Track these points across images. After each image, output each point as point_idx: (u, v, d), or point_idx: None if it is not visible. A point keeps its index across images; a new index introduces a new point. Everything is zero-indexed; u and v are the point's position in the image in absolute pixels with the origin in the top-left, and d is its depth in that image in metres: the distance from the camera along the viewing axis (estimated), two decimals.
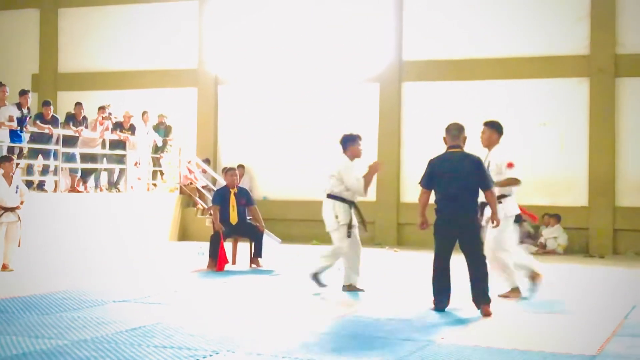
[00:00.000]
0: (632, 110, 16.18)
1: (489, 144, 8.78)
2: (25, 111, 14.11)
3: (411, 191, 16.18)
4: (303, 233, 17.99)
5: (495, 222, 7.56)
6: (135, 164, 17.09)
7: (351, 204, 9.15)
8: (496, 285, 8.22)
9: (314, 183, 18.66)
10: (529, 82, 17.16)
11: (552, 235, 16.29)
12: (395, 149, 17.90)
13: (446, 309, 7.68)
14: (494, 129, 8.87)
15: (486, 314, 7.30)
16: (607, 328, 6.80)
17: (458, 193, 7.50)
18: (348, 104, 18.58)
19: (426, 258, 14.48)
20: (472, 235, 7.54)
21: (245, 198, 12.05)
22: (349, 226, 9.04)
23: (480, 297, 7.43)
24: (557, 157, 16.80)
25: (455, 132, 7.85)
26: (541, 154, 16.93)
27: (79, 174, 15.69)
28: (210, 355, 5.38)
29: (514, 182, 8.43)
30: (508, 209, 8.34)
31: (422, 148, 17.77)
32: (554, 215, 16.37)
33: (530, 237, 16.64)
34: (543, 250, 16.16)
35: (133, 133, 16.76)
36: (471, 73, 17.56)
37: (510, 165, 8.44)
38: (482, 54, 17.51)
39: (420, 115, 17.94)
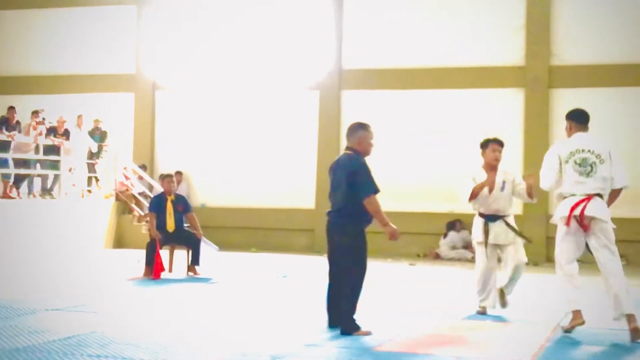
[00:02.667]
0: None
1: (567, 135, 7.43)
2: None
3: None
4: (242, 241, 17.93)
5: (388, 234, 6.76)
6: (70, 170, 16.81)
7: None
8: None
9: (253, 190, 18.65)
10: (466, 92, 17.44)
11: None
12: (334, 157, 17.86)
13: (387, 316, 7.74)
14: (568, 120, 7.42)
15: (365, 333, 6.61)
16: (541, 335, 6.93)
17: (334, 199, 6.82)
18: (287, 111, 18.60)
19: None
20: (338, 247, 6.74)
21: (182, 205, 11.94)
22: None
23: (343, 323, 6.66)
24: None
25: (348, 132, 6.98)
26: (477, 162, 17.14)
27: (11, 180, 15.36)
28: None
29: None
30: None
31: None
32: None
33: (468, 245, 16.88)
34: None
35: (67, 138, 16.48)
36: (410, 82, 17.76)
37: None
38: (421, 64, 17.73)
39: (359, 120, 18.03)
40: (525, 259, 8.35)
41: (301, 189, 17.92)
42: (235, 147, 18.90)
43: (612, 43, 16.62)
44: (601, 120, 16.28)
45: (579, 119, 7.24)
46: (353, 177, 6.64)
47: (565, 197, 6.94)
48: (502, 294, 8.16)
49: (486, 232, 8.21)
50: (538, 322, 7.66)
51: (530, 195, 8.18)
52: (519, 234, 8.18)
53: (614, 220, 6.87)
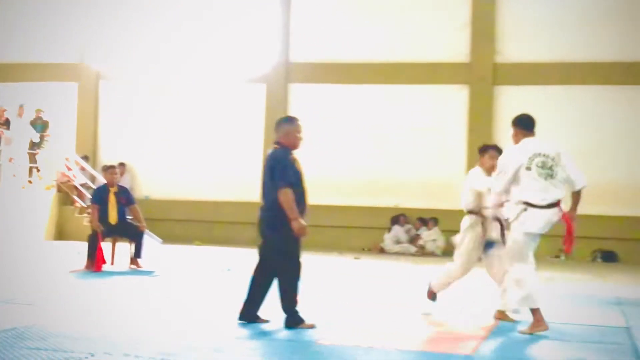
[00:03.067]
0: (509, 118, 16.68)
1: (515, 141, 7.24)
2: None
3: None
4: (186, 234, 17.83)
5: (295, 230, 6.47)
6: (10, 160, 16.49)
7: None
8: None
9: (197, 183, 18.54)
10: (411, 87, 17.58)
11: (431, 237, 16.75)
12: None
13: (330, 309, 7.78)
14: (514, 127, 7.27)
15: (309, 326, 6.59)
16: (483, 328, 7.03)
17: (264, 194, 6.76)
18: (233, 104, 18.53)
19: (306, 259, 14.62)
20: (270, 243, 6.69)
21: (125, 197, 11.81)
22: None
23: (287, 317, 6.64)
24: (437, 161, 17.27)
25: (275, 126, 6.89)
26: (422, 158, 17.38)
27: None
28: (87, 358, 5.24)
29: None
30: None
31: (308, 151, 17.91)
32: (432, 219, 16.85)
33: (412, 240, 17.06)
34: (422, 252, 16.59)
35: (8, 128, 16.15)
36: (357, 77, 17.84)
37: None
38: (368, 59, 17.82)
39: (307, 117, 18.03)
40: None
41: (246, 182, 17.86)
42: (179, 139, 18.76)
43: (556, 41, 16.93)
44: (546, 118, 16.62)
45: (526, 125, 7.14)
46: (272, 172, 6.64)
47: (527, 204, 6.70)
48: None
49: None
50: (479, 314, 7.76)
51: None
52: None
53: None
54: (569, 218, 6.92)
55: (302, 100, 18.18)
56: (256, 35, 18.55)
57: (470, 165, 17.36)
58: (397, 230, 17.07)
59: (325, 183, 17.71)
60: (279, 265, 6.67)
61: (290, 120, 6.92)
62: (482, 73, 17.15)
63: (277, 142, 6.81)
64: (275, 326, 6.64)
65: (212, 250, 15.87)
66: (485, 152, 8.04)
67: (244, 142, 18.33)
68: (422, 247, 16.73)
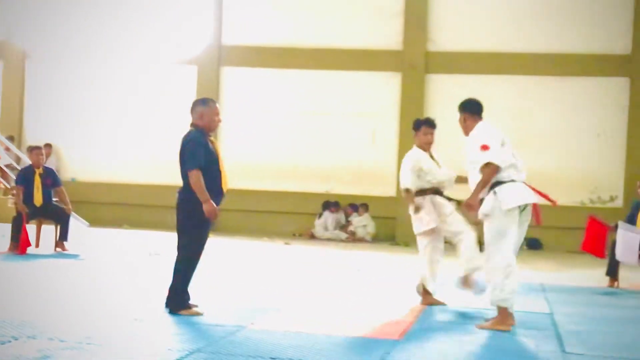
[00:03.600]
0: (440, 106, 16.98)
1: (466, 129, 7.00)
2: None
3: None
4: (113, 217, 17.59)
5: (205, 212, 6.35)
6: None
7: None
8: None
9: (125, 166, 18.28)
10: (344, 73, 17.63)
11: (362, 223, 16.88)
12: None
13: (260, 295, 7.77)
14: (461, 112, 7.07)
15: (194, 314, 6.47)
16: (411, 313, 7.12)
17: (181, 176, 6.68)
18: (163, 86, 18.29)
19: (235, 244, 14.57)
20: (178, 223, 6.63)
21: (51, 178, 11.57)
22: None
23: (170, 300, 6.55)
24: (369, 148, 17.38)
25: (190, 108, 6.80)
26: (354, 145, 17.48)
27: None
28: (9, 342, 5.13)
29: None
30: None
31: (240, 135, 17.84)
32: (362, 205, 16.97)
33: (340, 226, 17.15)
34: (353, 238, 16.71)
35: None
36: (290, 61, 17.80)
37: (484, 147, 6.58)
38: (302, 43, 17.79)
39: (239, 101, 17.97)
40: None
41: (175, 166, 17.62)
42: (108, 121, 18.45)
43: (489, 31, 17.16)
44: None
45: (476, 109, 6.95)
46: (182, 153, 6.60)
47: (497, 183, 6.44)
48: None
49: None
50: (407, 300, 7.86)
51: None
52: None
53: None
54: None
55: (235, 84, 18.06)
56: (188, 17, 18.32)
57: (401, 153, 17.57)
58: (328, 217, 17.14)
59: (256, 168, 17.67)
60: (181, 245, 6.59)
61: (205, 102, 6.84)
62: (414, 61, 17.30)
63: (192, 124, 6.75)
64: (204, 310, 6.60)
65: (140, 234, 15.70)
66: (419, 127, 8.05)
67: (173, 125, 18.10)
68: (352, 233, 16.84)
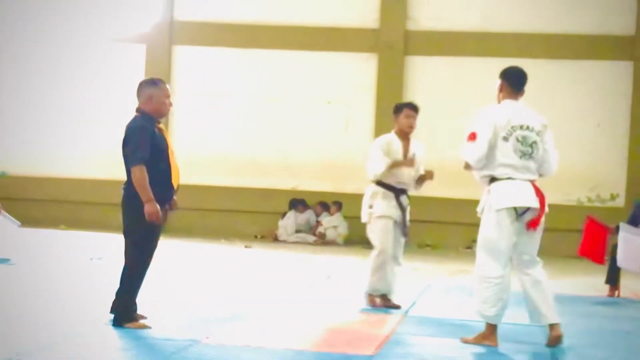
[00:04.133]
0: (421, 91, 17.04)
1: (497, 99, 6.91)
2: None
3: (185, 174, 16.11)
4: (49, 216, 17.44)
5: (146, 214, 6.28)
6: None
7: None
8: None
9: (63, 158, 18.11)
10: (313, 54, 17.59)
11: (332, 224, 16.87)
12: (163, 120, 17.57)
13: (216, 305, 7.76)
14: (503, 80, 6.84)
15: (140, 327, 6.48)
16: (386, 326, 7.15)
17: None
18: (107, 67, 18.13)
19: (189, 247, 14.54)
20: (124, 229, 6.56)
21: None
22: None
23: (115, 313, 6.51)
24: (341, 139, 17.38)
25: (136, 90, 6.69)
26: (325, 135, 17.48)
27: None
28: None
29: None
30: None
31: (195, 124, 17.76)
32: (335, 203, 16.97)
33: (308, 227, 17.14)
34: (322, 241, 16.71)
35: None
36: (252, 40, 17.73)
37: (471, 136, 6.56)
38: (265, 20, 17.73)
39: (194, 85, 17.89)
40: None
41: (121, 158, 17.52)
42: (42, 106, 18.26)
43: (474, 8, 17.23)
44: (459, 91, 16.98)
45: (517, 82, 6.70)
46: (126, 144, 6.47)
47: (493, 179, 6.41)
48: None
49: (397, 207, 8.07)
50: (384, 312, 7.88)
51: (419, 184, 8.31)
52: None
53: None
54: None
55: (188, 65, 17.95)
56: None
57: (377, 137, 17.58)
58: (294, 217, 17.10)
59: (212, 160, 17.59)
60: (127, 250, 6.51)
61: (154, 83, 6.72)
62: (392, 41, 17.31)
63: (138, 109, 6.62)
64: (152, 323, 6.57)
65: (80, 235, 15.58)
66: (400, 110, 8.15)
67: (119, 111, 17.97)
68: (322, 235, 16.84)
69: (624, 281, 10.32)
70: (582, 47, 16.82)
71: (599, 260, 10.30)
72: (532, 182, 6.48)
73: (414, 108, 8.21)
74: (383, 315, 7.72)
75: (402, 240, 8.23)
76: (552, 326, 6.43)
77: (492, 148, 6.41)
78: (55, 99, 18.26)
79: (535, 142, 6.49)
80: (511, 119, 6.46)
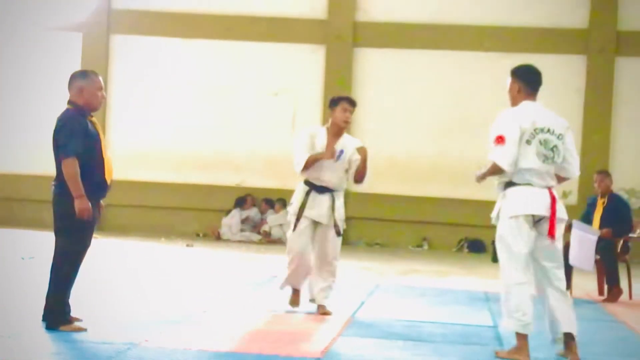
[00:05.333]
0: (370, 83, 17.10)
1: (512, 99, 6.78)
2: None
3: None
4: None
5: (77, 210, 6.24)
6: None
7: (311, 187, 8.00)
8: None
9: (5, 151, 17.83)
10: (257, 45, 17.53)
11: (278, 222, 16.84)
12: (100, 112, 17.35)
13: (155, 306, 7.72)
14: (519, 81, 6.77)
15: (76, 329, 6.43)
16: (334, 327, 7.17)
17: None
18: (40, 57, 17.88)
19: (126, 246, 14.43)
20: (54, 227, 6.53)
21: None
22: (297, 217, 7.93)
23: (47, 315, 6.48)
24: (288, 133, 17.36)
25: (68, 83, 6.62)
26: (271, 128, 17.44)
27: None
28: None
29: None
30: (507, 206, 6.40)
31: (133, 116, 17.61)
32: (279, 200, 16.95)
33: (253, 225, 17.11)
34: (267, 240, 16.69)
35: None
36: (195, 30, 17.63)
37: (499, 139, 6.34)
38: (208, 8, 17.64)
39: (132, 75, 17.73)
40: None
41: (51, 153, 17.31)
42: None
43: (423, 2, 17.31)
44: (410, 85, 17.07)
45: (533, 81, 6.75)
46: (56, 138, 6.44)
47: (510, 184, 6.35)
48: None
49: (304, 204, 7.88)
50: (331, 314, 7.90)
51: (359, 176, 7.91)
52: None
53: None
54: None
55: (127, 54, 17.78)
56: None
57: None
58: (238, 214, 17.05)
59: (152, 155, 17.46)
60: (57, 246, 6.46)
61: (85, 75, 6.68)
62: (341, 32, 17.34)
63: (69, 102, 6.58)
64: (88, 325, 6.51)
65: (12, 233, 15.39)
66: (337, 104, 8.03)
67: (52, 103, 17.71)
68: (267, 234, 16.82)
69: (577, 280, 10.47)
70: (535, 41, 16.99)
71: None
72: (550, 188, 6.44)
73: (351, 102, 8.09)
74: (331, 317, 7.73)
75: (335, 239, 7.95)
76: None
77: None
78: None
79: (556, 146, 6.46)
80: (536, 121, 6.41)
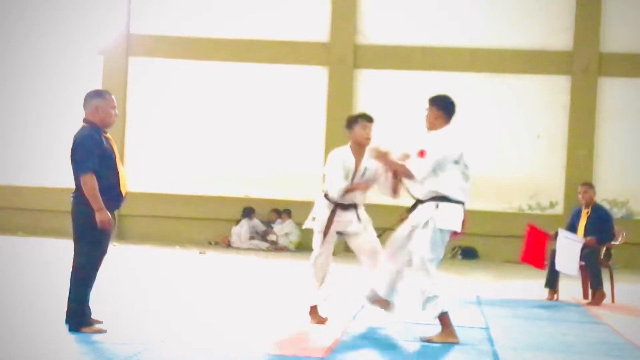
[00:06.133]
0: (370, 103, 17.09)
1: (432, 125, 7.16)
2: None
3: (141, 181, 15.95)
4: (6, 223, 17.24)
5: (98, 222, 6.32)
6: None
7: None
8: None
9: (19, 166, 17.85)
10: (264, 66, 17.56)
11: (284, 231, 16.84)
12: (119, 130, 17.33)
13: (171, 310, 7.69)
14: (435, 107, 7.19)
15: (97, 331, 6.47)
16: (336, 329, 7.14)
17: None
18: (66, 77, 17.92)
19: (144, 253, 14.41)
20: (74, 232, 6.57)
21: None
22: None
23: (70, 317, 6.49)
24: (294, 148, 17.38)
25: (83, 102, 6.74)
26: (277, 144, 17.45)
27: None
28: None
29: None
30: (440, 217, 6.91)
31: (150, 132, 17.62)
32: (285, 210, 16.96)
33: (264, 234, 17.09)
34: (275, 248, 16.67)
35: None
36: (207, 53, 17.66)
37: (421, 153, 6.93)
38: (219, 33, 17.67)
39: (149, 95, 17.76)
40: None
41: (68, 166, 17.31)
42: (1, 115, 18.01)
43: (421, 24, 17.32)
44: (408, 105, 17.05)
45: (451, 111, 7.11)
46: (74, 155, 6.50)
47: (444, 198, 6.81)
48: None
49: (331, 221, 7.52)
50: (333, 315, 7.88)
51: (393, 189, 7.54)
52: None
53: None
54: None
55: (144, 76, 17.80)
56: (94, 4, 18.00)
57: (328, 152, 17.54)
58: (247, 224, 17.04)
59: (167, 168, 17.47)
60: (76, 253, 6.48)
61: (100, 94, 6.73)
62: (342, 54, 17.37)
63: (85, 120, 6.63)
64: (108, 327, 6.49)
65: (37, 242, 15.38)
66: (356, 122, 7.61)
67: (75, 120, 17.76)
68: (274, 242, 16.80)
69: (563, 285, 10.45)
70: (523, 62, 17.00)
71: (539, 265, 10.41)
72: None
73: (368, 119, 7.74)
74: (334, 317, 7.71)
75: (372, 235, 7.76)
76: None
77: (441, 169, 6.79)
78: (14, 109, 18.01)
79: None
80: (460, 146, 6.90)
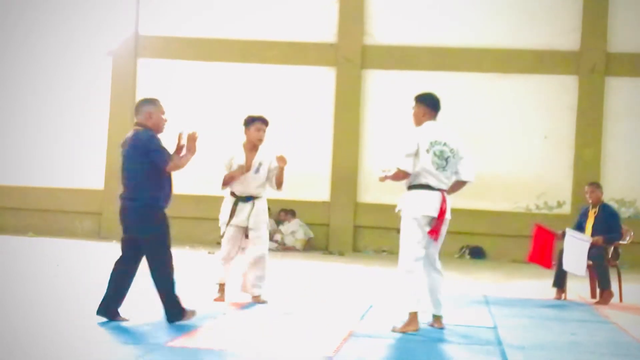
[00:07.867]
0: (377, 103, 17.11)
1: (419, 122, 7.57)
2: None
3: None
4: (17, 224, 17.28)
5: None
6: None
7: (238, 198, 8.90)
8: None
9: (31, 167, 17.90)
10: (272, 67, 17.57)
11: (290, 230, 16.84)
12: (127, 131, 17.37)
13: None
14: (422, 104, 7.72)
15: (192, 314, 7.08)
16: (344, 328, 7.14)
17: (128, 181, 6.95)
18: (75, 79, 17.97)
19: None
20: (142, 235, 6.92)
21: None
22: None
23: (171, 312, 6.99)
24: (301, 148, 17.37)
25: (135, 108, 7.13)
26: (284, 145, 17.42)
27: None
28: None
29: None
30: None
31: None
32: (290, 210, 16.98)
33: (270, 235, 17.08)
34: (283, 247, 16.68)
35: None
36: (215, 54, 17.67)
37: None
38: (226, 34, 17.68)
39: (156, 93, 17.70)
40: (265, 251, 8.85)
41: (88, 167, 17.39)
42: (12, 117, 18.05)
43: (429, 24, 17.30)
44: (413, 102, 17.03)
45: (434, 106, 7.60)
46: (136, 153, 6.83)
47: (413, 187, 7.12)
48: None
49: (233, 213, 8.80)
50: (342, 314, 7.89)
51: (278, 183, 8.80)
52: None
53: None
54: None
55: (153, 77, 17.81)
56: (103, 5, 18.03)
57: (336, 154, 17.58)
58: None
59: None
60: (156, 258, 6.89)
61: (153, 102, 7.07)
62: (350, 55, 17.36)
63: (138, 124, 6.94)
64: (113, 328, 6.51)
65: (47, 242, 15.42)
66: (252, 123, 8.84)
67: (85, 121, 17.84)
68: (281, 242, 16.80)
69: (570, 284, 10.43)
70: (531, 62, 16.98)
71: (547, 265, 10.39)
72: (443, 191, 7.15)
73: (264, 122, 8.82)
74: (342, 316, 7.71)
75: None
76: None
77: (418, 160, 7.14)
78: (23, 110, 18.06)
79: (449, 157, 7.23)
80: (433, 137, 7.28)
